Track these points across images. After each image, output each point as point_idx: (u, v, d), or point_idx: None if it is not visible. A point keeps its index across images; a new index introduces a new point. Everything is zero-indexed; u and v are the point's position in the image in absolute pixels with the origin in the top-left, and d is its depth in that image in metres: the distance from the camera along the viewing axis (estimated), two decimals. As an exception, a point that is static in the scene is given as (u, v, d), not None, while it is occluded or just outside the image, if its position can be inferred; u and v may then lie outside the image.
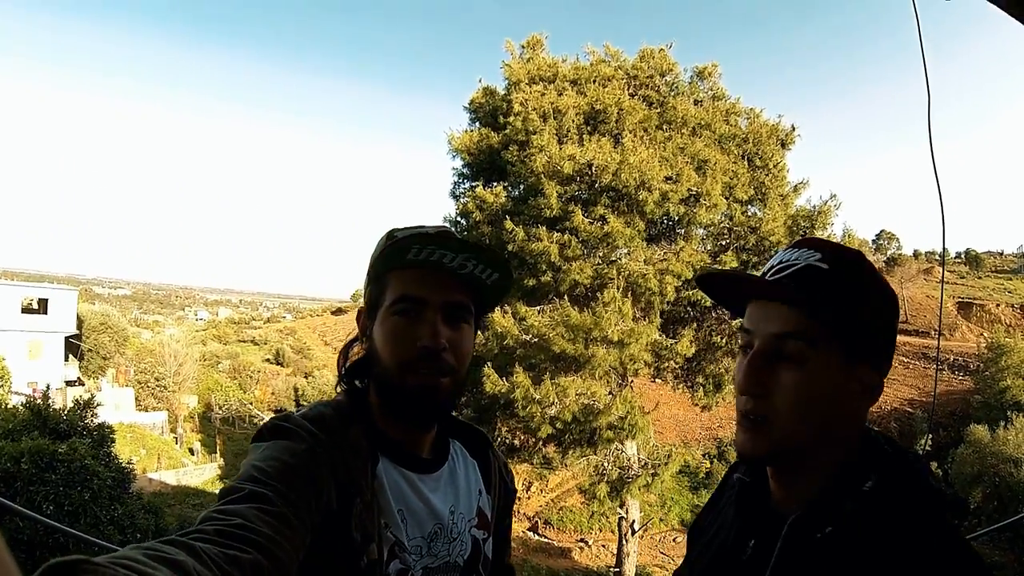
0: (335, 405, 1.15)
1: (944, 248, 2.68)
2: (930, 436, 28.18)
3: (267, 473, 0.91)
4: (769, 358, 0.92)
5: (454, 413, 1.29)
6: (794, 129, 14.62)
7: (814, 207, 13.97)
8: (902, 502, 0.87)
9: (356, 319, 1.22)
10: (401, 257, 1.08)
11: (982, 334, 45.36)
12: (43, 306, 38.22)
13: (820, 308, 0.89)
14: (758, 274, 1.02)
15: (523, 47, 14.65)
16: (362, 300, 1.22)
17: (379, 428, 1.15)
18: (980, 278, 63.96)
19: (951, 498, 0.88)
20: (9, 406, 18.89)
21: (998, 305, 54.37)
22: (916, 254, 74.22)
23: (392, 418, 1.16)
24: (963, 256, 70.82)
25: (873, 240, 71.94)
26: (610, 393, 12.59)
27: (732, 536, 1.06)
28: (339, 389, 1.22)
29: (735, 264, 12.85)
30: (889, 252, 69.83)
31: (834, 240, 10.95)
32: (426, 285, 1.10)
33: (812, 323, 0.90)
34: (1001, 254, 75.64)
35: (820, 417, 0.92)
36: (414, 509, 1.13)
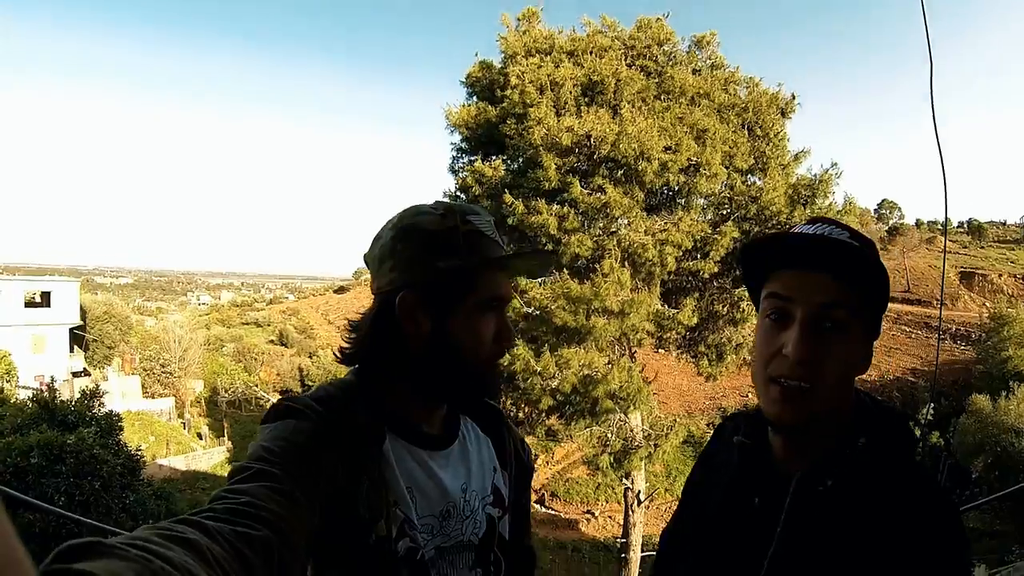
0: (342, 385, 1.15)
1: (946, 218, 2.68)
2: (932, 405, 28.33)
3: (275, 453, 0.92)
4: (818, 326, 0.97)
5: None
6: (794, 98, 14.49)
7: (815, 176, 13.90)
8: (889, 455, 1.00)
9: (400, 302, 1.11)
10: (502, 265, 1.15)
11: (984, 304, 45.39)
12: (46, 299, 38.37)
13: (860, 282, 0.98)
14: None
15: (519, 19, 14.49)
16: (384, 276, 1.15)
17: (387, 406, 1.14)
18: (983, 248, 63.81)
19: (920, 441, 1.01)
20: (17, 401, 19.02)
21: (1000, 275, 54.29)
22: (918, 223, 74.12)
23: (439, 399, 1.21)
24: (966, 226, 70.59)
25: (875, 209, 71.76)
26: (608, 363, 12.62)
27: (735, 495, 1.13)
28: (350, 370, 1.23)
29: (736, 234, 12.80)
30: (891, 222, 69.70)
31: (835, 208, 10.89)
32: (508, 287, 1.18)
33: (854, 295, 0.98)
34: (1004, 224, 75.45)
35: (850, 384, 1.03)
36: (423, 487, 1.13)
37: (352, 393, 1.12)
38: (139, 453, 15.26)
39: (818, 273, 0.98)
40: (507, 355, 10.59)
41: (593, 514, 26.99)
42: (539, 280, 12.23)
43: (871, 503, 0.95)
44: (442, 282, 1.10)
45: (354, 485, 1.02)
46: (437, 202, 1.16)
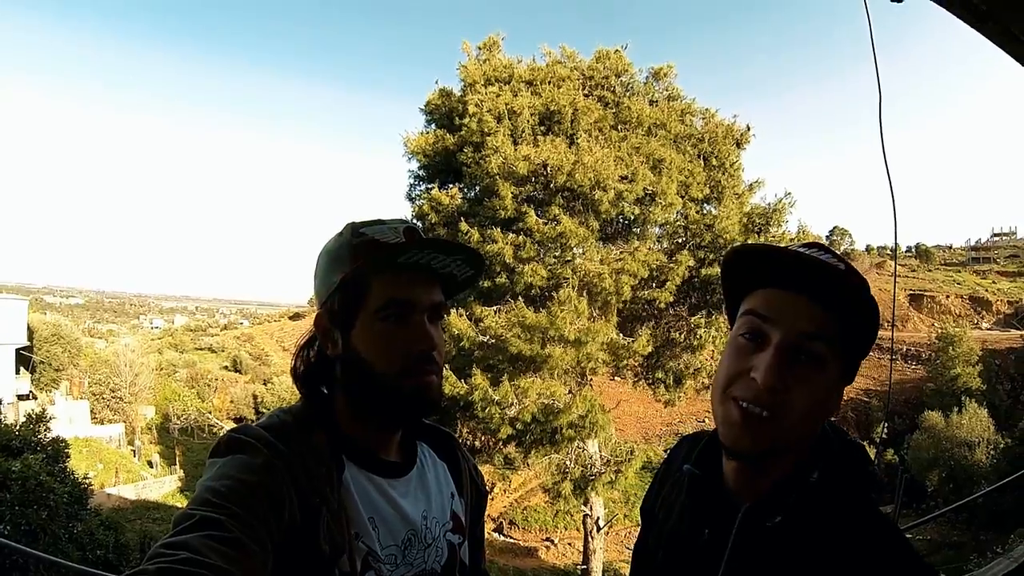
0: (295, 412, 1.10)
1: (896, 243, 2.74)
2: (886, 424, 29.00)
3: (220, 494, 0.86)
4: (794, 355, 0.89)
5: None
6: (749, 129, 14.89)
7: (769, 205, 14.23)
8: (842, 492, 0.92)
9: (315, 324, 1.14)
10: (390, 261, 1.05)
11: (933, 325, 46.84)
12: (-9, 317, 36.98)
13: (849, 317, 0.89)
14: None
15: (480, 48, 14.62)
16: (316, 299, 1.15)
17: (343, 433, 1.10)
18: (930, 271, 65.96)
19: (882, 483, 0.94)
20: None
21: (948, 297, 56.26)
22: (868, 249, 76.45)
23: (380, 421, 1.13)
24: (914, 250, 72.88)
25: (826, 236, 73.70)
26: (569, 392, 12.64)
27: (686, 525, 1.07)
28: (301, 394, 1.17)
29: (691, 263, 12.98)
30: (842, 247, 71.61)
31: (788, 236, 11.06)
32: (414, 288, 1.08)
33: (839, 330, 0.89)
34: (950, 248, 78.42)
35: (818, 421, 0.93)
36: (385, 516, 1.08)
37: (306, 419, 1.07)
38: (87, 481, 14.72)
39: (806, 298, 0.90)
40: (464, 384, 10.45)
41: (553, 541, 26.86)
42: (494, 308, 12.24)
43: (819, 544, 0.88)
44: (340, 296, 1.09)
45: (313, 519, 0.96)
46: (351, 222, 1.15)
